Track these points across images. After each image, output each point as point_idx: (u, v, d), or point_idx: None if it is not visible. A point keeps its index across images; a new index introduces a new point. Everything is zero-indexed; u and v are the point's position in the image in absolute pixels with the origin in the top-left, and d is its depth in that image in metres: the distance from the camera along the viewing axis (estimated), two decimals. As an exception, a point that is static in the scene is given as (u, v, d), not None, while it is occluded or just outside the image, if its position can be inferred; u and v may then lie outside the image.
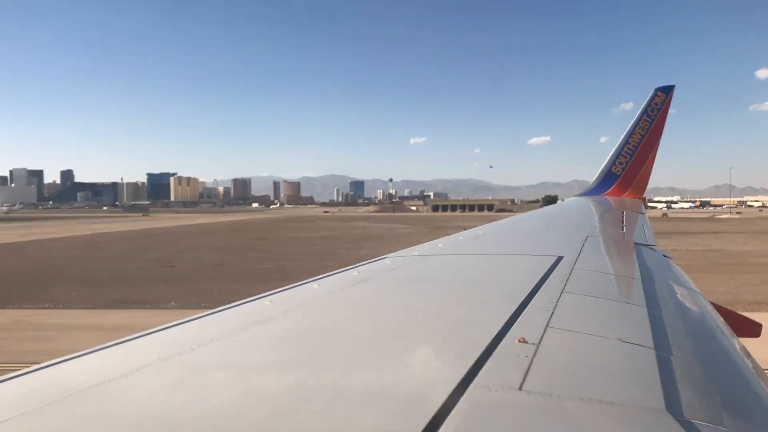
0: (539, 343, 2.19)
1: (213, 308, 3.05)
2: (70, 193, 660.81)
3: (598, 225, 8.92)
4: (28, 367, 2.15)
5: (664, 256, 5.84)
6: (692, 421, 1.63)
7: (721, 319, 3.36)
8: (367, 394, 1.75)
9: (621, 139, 15.42)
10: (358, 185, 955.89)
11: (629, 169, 15.22)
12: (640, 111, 15.05)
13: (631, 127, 15.17)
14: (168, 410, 1.72)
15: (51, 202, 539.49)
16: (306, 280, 3.76)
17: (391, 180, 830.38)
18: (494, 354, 2.06)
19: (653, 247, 6.38)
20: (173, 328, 2.67)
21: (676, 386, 1.90)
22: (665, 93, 14.89)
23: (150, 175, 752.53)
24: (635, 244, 6.28)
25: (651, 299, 3.26)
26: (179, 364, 2.13)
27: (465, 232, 7.29)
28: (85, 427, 1.64)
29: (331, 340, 2.46)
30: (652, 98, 14.86)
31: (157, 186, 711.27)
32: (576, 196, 16.43)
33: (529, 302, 2.87)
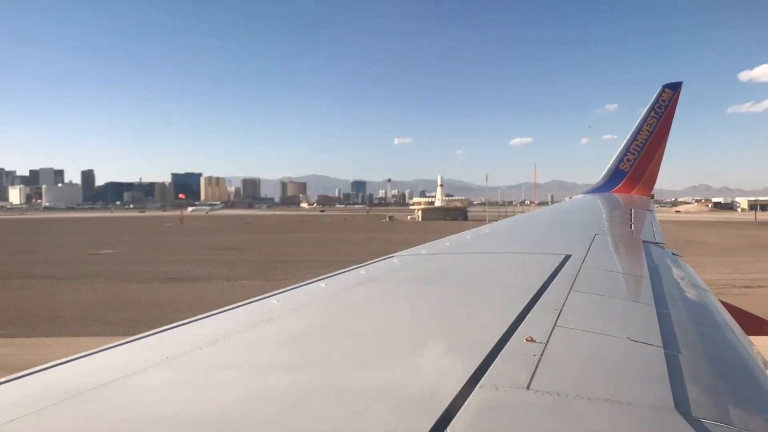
0: (547, 342, 2.18)
1: None
2: (108, 192, 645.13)
3: (606, 223, 8.96)
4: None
5: (673, 254, 5.80)
6: (701, 419, 1.62)
7: (731, 317, 3.34)
8: (375, 393, 1.74)
9: (628, 137, 15.43)
10: (359, 185, 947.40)
11: (637, 166, 15.23)
12: (647, 108, 15.10)
13: (638, 124, 15.19)
14: (175, 410, 1.72)
15: (112, 203, 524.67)
16: (313, 279, 3.75)
17: (389, 180, 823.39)
18: (502, 353, 2.06)
19: (662, 244, 6.33)
20: (181, 327, 2.68)
21: (685, 385, 1.89)
22: (673, 90, 14.97)
23: (175, 175, 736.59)
24: (644, 242, 6.23)
25: (660, 297, 3.24)
26: (187, 364, 2.14)
27: (472, 230, 7.28)
28: (93, 426, 1.64)
29: (338, 339, 2.46)
30: (660, 95, 14.91)
31: (183, 186, 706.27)
32: (584, 193, 16.47)
33: (536, 301, 2.87)
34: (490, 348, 2.11)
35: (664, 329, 2.52)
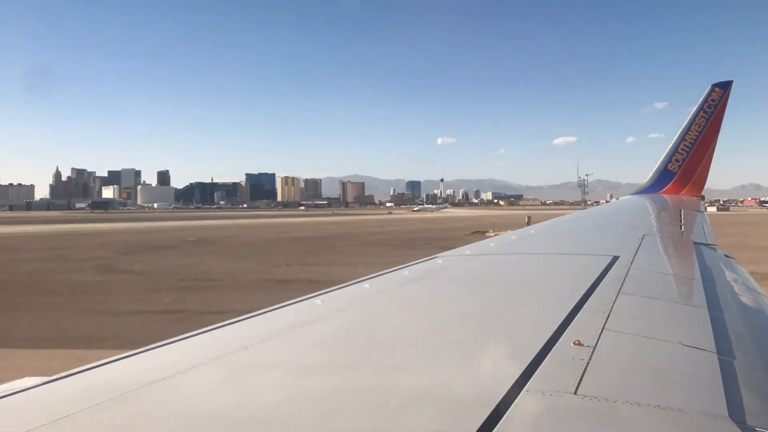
0: (595, 345, 2.15)
1: None
2: (193, 192, 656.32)
3: (655, 224, 8.80)
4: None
5: (726, 256, 5.65)
6: (756, 429, 1.58)
7: None
8: (419, 395, 1.74)
9: (677, 136, 15.21)
10: (414, 185, 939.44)
11: (686, 166, 15.01)
12: (696, 107, 14.90)
13: (687, 124, 14.98)
14: (221, 409, 1.75)
15: (217, 204, 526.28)
16: (356, 280, 3.76)
17: (442, 180, 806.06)
18: (548, 357, 2.03)
19: (714, 246, 6.15)
20: (226, 327, 2.73)
21: (740, 392, 1.84)
22: (722, 89, 14.80)
23: (249, 175, 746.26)
24: (695, 243, 6.08)
25: (713, 301, 3.16)
26: (232, 364, 2.17)
27: (517, 231, 7.20)
28: (141, 424, 1.69)
29: (381, 341, 2.46)
30: (709, 94, 14.74)
31: (257, 186, 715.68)
32: (631, 194, 16.32)
33: (584, 303, 2.82)
34: (536, 351, 2.08)
35: (717, 334, 2.45)
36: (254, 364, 2.18)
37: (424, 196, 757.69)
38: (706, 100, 14.77)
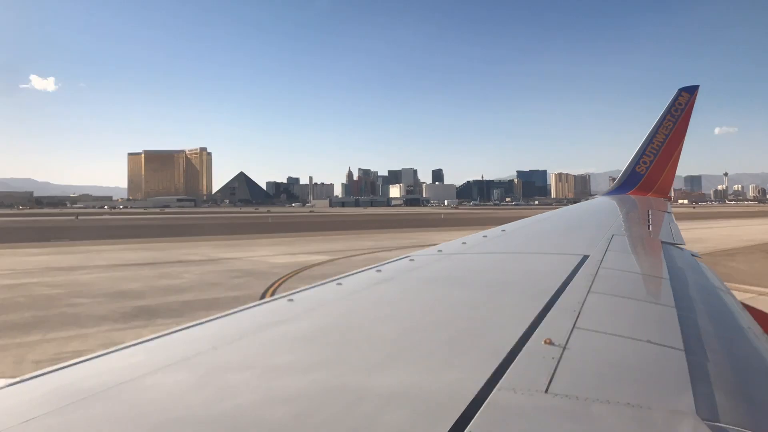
0: (565, 344, 2.16)
1: None
2: (470, 189, 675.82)
3: (623, 224, 8.80)
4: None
5: (693, 255, 5.72)
6: (723, 425, 1.60)
7: (753, 320, 3.27)
8: (390, 396, 1.73)
9: (644, 139, 15.32)
10: (695, 180, 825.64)
11: (653, 168, 15.05)
12: (663, 111, 14.93)
13: (654, 127, 15.05)
14: (191, 411, 1.72)
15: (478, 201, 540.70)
16: (327, 280, 3.72)
17: (726, 174, 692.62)
18: (519, 355, 2.04)
19: (681, 246, 6.23)
20: (195, 327, 2.68)
21: (707, 389, 1.87)
22: (689, 93, 14.79)
23: (519, 172, 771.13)
24: (662, 242, 6.15)
25: (680, 299, 3.19)
26: (201, 364, 2.13)
27: (488, 230, 7.25)
28: (108, 427, 1.65)
29: (353, 341, 2.45)
30: (676, 98, 14.76)
31: (528, 183, 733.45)
32: (600, 195, 16.62)
33: (554, 302, 2.83)
34: (508, 350, 2.09)
35: (685, 332, 2.48)
36: (224, 365, 2.14)
37: (711, 192, 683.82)
38: (672, 104, 14.78)
